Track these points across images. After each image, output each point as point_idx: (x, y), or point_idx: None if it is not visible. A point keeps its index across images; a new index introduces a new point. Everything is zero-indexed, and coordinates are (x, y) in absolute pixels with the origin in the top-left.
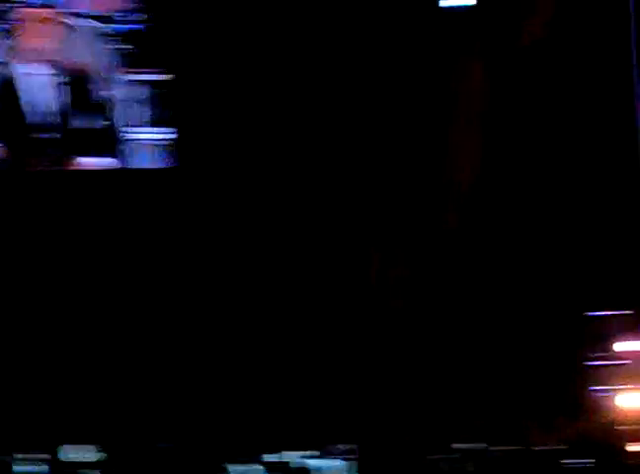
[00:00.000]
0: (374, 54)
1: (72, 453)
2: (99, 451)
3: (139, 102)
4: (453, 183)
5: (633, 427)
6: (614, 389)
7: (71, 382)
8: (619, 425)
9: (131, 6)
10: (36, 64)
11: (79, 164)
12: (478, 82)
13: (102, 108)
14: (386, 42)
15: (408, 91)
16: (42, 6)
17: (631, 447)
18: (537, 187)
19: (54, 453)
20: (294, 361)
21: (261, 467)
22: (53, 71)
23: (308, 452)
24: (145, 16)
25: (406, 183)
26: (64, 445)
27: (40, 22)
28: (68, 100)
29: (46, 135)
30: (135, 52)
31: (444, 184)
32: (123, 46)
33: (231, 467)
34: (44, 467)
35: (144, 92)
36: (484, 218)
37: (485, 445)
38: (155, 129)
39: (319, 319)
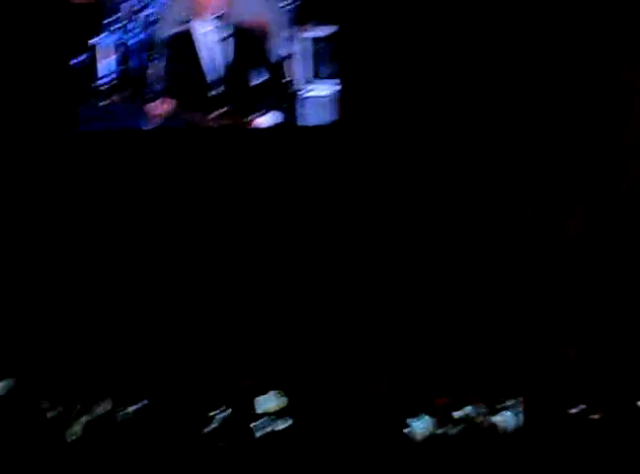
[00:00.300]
0: None
1: (263, 403)
2: (286, 399)
3: (311, 57)
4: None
5: None
6: None
7: (253, 326)
8: None
9: None
10: (210, 21)
11: (252, 121)
12: None
13: (274, 64)
14: None
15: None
16: None
17: None
18: None
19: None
20: (463, 316)
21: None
22: (227, 28)
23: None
24: None
25: (583, 137)
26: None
27: None
28: (242, 57)
29: (221, 92)
30: (305, 7)
31: (624, 138)
32: (293, 2)
33: (410, 421)
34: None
35: (315, 47)
36: None
37: None
38: (325, 85)
39: (493, 279)
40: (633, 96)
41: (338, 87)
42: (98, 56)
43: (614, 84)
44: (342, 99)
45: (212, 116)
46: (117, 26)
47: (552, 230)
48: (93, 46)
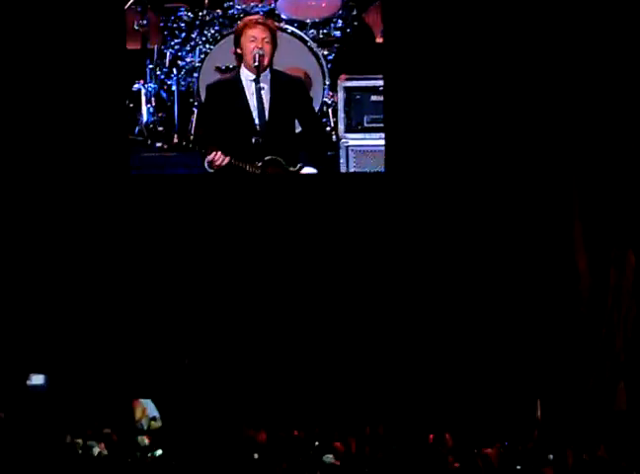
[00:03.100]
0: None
1: None
2: None
3: (353, 107)
4: None
5: None
6: None
7: None
8: None
9: (343, 13)
10: (255, 70)
11: (295, 169)
12: None
13: (317, 113)
14: None
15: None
16: (262, 14)
17: None
18: None
19: None
20: None
21: None
22: (271, 77)
23: None
24: (356, 22)
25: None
26: None
27: (260, 29)
28: (284, 106)
29: (264, 141)
30: (347, 58)
31: None
32: (335, 52)
33: None
34: None
35: (357, 97)
36: None
37: None
38: (367, 135)
39: None
40: None
41: (382, 138)
42: (142, 103)
43: None
44: (387, 149)
45: (257, 163)
46: (159, 72)
47: None
48: (137, 92)
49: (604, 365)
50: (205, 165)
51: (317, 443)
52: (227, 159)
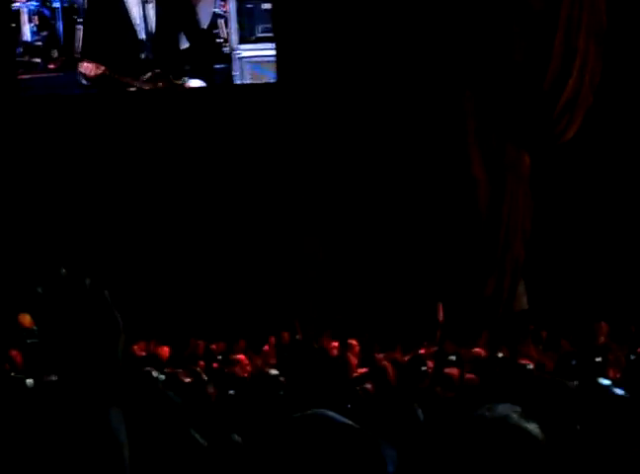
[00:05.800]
0: None
1: None
2: None
3: (244, 17)
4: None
5: None
6: None
7: None
8: None
9: None
10: None
11: (185, 83)
12: None
13: (207, 24)
14: None
15: None
16: None
17: None
18: None
19: None
20: None
21: None
22: None
23: None
24: None
25: None
26: None
27: None
28: (172, 17)
29: (152, 54)
30: None
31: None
32: None
33: None
34: None
35: (248, 7)
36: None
37: None
38: (260, 46)
39: None
40: None
41: (274, 47)
42: (22, 22)
43: None
44: (278, 59)
45: (144, 78)
46: None
47: None
48: (17, 12)
49: (504, 268)
50: (80, 78)
51: (220, 357)
52: (101, 68)
